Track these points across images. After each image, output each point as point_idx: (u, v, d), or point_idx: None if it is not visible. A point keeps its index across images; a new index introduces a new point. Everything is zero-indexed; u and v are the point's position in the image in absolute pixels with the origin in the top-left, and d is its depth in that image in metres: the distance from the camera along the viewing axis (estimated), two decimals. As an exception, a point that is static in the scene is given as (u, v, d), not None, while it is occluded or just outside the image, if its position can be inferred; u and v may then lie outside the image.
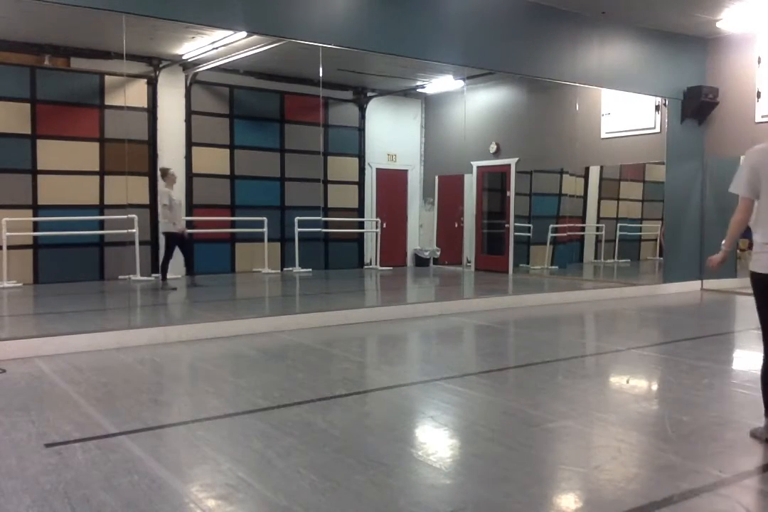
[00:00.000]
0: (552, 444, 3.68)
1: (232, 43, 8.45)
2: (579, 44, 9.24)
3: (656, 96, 10.36)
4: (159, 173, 9.91)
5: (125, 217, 9.46)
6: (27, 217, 9.92)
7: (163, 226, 9.65)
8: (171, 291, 9.25)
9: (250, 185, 12.00)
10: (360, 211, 13.30)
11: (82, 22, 8.21)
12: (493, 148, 12.56)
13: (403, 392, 4.78)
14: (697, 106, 10.25)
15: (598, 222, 12.63)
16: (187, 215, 11.34)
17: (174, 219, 9.49)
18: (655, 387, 5.05)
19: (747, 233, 3.61)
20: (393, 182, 13.72)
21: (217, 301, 9.16)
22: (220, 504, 2.86)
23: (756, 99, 9.93)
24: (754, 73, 9.94)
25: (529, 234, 12.56)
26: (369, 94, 13.20)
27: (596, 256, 12.78)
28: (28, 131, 10.04)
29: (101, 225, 10.45)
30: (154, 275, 10.73)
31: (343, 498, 2.90)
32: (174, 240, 9.57)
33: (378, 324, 7.49)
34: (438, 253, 13.75)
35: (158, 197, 9.80)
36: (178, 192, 9.81)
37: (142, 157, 10.75)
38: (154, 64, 10.70)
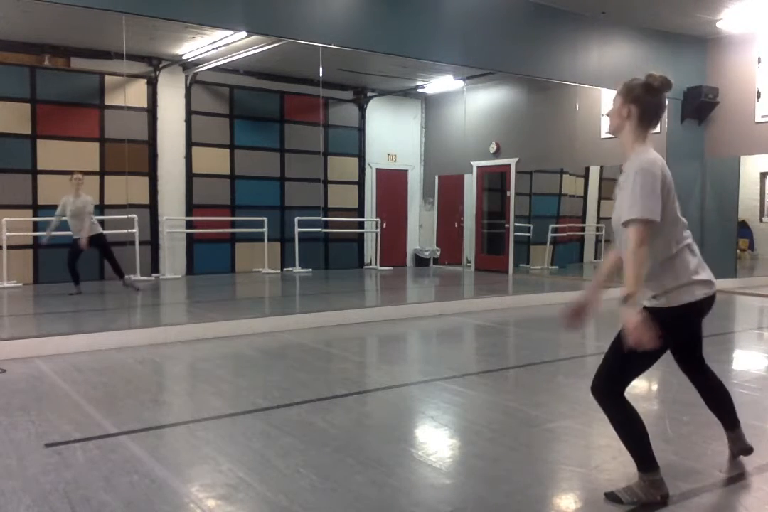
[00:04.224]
0: (552, 444, 3.68)
1: (232, 43, 8.44)
2: (579, 44, 9.24)
3: (656, 96, 10.35)
4: None
5: (125, 217, 9.46)
6: (27, 217, 9.91)
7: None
8: (72, 295, 8.59)
9: (250, 185, 12.00)
10: (360, 211, 13.29)
11: (82, 22, 8.19)
12: (493, 148, 12.56)
13: (403, 392, 4.78)
14: (697, 106, 10.26)
15: (598, 222, 12.64)
16: (186, 215, 11.36)
17: (74, 227, 8.74)
18: (655, 387, 5.05)
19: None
20: (393, 182, 13.72)
21: (218, 301, 9.15)
22: (220, 504, 2.86)
23: (756, 99, 9.93)
24: (754, 73, 9.95)
25: (529, 234, 12.56)
26: (369, 94, 13.19)
27: (596, 256, 12.77)
28: (28, 131, 10.03)
29: (101, 225, 10.43)
30: (154, 275, 10.75)
31: (343, 498, 2.90)
32: (74, 246, 8.76)
33: (378, 324, 7.49)
34: (438, 253, 13.75)
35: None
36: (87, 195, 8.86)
37: (142, 157, 10.75)
38: (154, 64, 10.69)
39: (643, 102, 2.86)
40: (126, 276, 9.08)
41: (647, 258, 2.71)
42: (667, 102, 2.87)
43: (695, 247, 2.88)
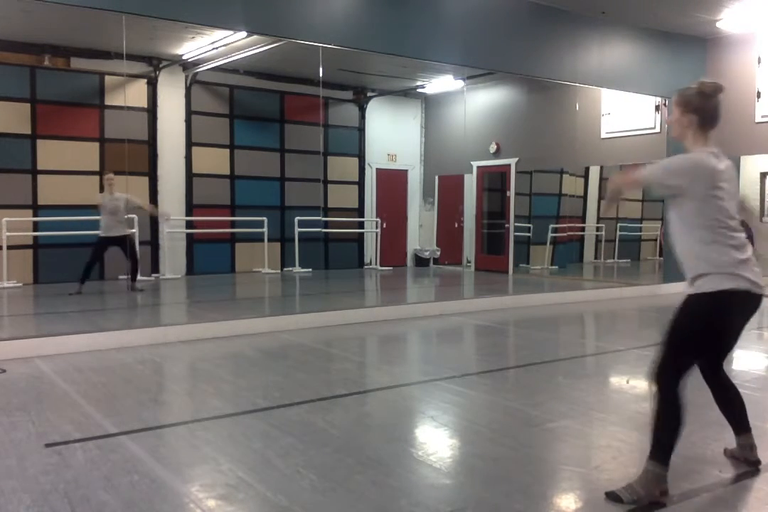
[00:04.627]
0: (552, 444, 3.68)
1: (232, 43, 8.45)
2: (579, 44, 9.24)
3: (656, 96, 10.36)
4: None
5: (125, 216, 9.45)
6: (27, 217, 9.91)
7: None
8: (72, 295, 8.60)
9: (250, 185, 12.00)
10: (360, 211, 13.29)
11: (82, 22, 8.20)
12: (493, 148, 12.56)
13: (403, 392, 4.78)
14: (697, 106, 10.24)
15: (598, 222, 12.64)
16: (187, 215, 11.36)
17: (104, 224, 8.87)
18: (655, 387, 5.05)
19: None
20: (393, 182, 13.72)
21: (218, 301, 9.15)
22: (220, 504, 2.86)
23: (756, 99, 9.93)
24: (754, 73, 9.94)
25: (529, 234, 12.56)
26: (369, 94, 13.19)
27: (596, 256, 12.78)
28: (28, 131, 10.04)
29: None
30: (154, 275, 10.74)
31: (343, 498, 2.90)
32: (101, 245, 8.92)
33: (378, 324, 7.49)
34: (438, 253, 13.75)
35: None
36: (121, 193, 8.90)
37: (142, 157, 10.75)
38: (154, 64, 10.69)
39: (701, 110, 3.02)
40: (136, 282, 9.10)
41: (619, 192, 3.23)
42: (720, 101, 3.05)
43: (746, 249, 2.96)
